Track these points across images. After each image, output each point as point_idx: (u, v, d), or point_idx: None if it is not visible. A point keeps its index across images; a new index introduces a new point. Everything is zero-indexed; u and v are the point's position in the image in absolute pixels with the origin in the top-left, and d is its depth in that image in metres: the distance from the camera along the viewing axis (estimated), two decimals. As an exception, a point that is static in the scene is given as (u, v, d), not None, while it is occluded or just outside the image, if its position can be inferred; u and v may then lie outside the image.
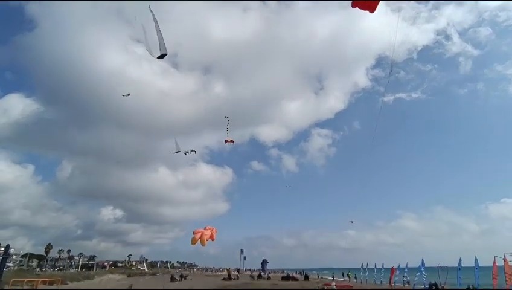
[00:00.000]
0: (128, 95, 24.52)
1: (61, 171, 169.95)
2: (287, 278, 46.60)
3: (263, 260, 61.39)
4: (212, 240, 15.95)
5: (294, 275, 56.20)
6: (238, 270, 59.00)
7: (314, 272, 76.54)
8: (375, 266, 38.00)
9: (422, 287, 27.11)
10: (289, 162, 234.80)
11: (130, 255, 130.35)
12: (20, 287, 20.02)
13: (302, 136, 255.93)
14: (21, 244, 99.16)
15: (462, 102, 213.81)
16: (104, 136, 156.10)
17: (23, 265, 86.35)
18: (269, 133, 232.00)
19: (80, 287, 32.39)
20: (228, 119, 22.05)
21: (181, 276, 50.44)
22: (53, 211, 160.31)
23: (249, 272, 65.43)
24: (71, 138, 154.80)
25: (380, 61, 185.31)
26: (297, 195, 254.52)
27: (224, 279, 46.41)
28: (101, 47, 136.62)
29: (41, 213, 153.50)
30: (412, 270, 31.26)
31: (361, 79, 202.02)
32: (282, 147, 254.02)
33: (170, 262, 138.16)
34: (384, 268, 36.48)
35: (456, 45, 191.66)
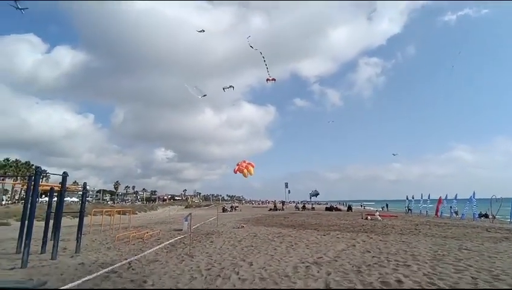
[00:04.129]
0: (203, 31, 25.30)
1: (115, 118, 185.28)
2: (330, 209, 48.74)
3: (314, 191, 63.57)
4: (248, 171, 16.89)
5: (338, 206, 58.42)
6: (283, 202, 62.77)
7: (358, 203, 78.60)
8: (421, 196, 37.55)
9: (471, 217, 26.74)
10: (333, 97, 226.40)
11: (185, 190, 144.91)
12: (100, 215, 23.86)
13: (348, 67, 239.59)
14: (94, 182, 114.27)
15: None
16: (150, 81, 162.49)
17: (99, 199, 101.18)
18: (312, 67, 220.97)
19: (147, 216, 37.51)
20: (261, 52, 21.18)
21: (231, 207, 55.42)
22: (114, 153, 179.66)
23: (293, 204, 69.45)
24: (119, 84, 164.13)
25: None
26: (341, 130, 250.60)
27: (270, 210, 50.11)
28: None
29: (105, 156, 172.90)
30: (462, 201, 30.55)
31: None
32: (326, 82, 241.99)
33: (221, 195, 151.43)
34: (430, 199, 36.08)
35: None
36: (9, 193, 77.75)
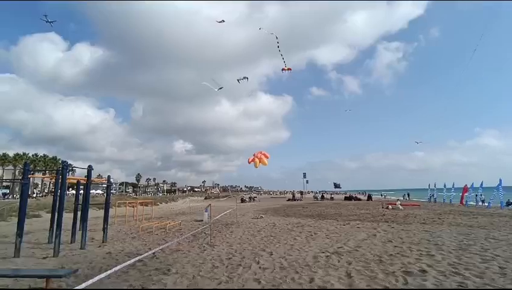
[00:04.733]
0: (223, 21, 25.49)
1: (135, 112, 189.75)
2: (349, 198, 48.24)
3: (335, 184, 63.31)
4: (261, 161, 16.83)
5: (357, 195, 57.70)
6: (301, 192, 62.71)
7: (378, 192, 77.27)
8: (445, 185, 36.38)
9: (498, 205, 25.71)
10: (352, 84, 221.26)
11: (204, 181, 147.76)
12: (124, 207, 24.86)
13: (367, 53, 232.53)
14: (117, 175, 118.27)
15: None
16: (167, 74, 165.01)
17: (122, 191, 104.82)
18: (329, 54, 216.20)
19: (168, 207, 38.53)
20: (276, 37, 20.76)
21: (250, 198, 55.97)
22: (135, 146, 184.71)
23: (312, 194, 69.21)
24: (137, 79, 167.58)
25: None
26: (360, 118, 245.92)
27: (288, 200, 50.22)
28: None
29: (127, 149, 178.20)
30: (488, 189, 29.38)
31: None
32: (343, 69, 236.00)
33: (239, 186, 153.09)
34: (454, 188, 34.90)
35: None
36: (39, 186, 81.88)
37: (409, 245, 8.54)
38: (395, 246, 8.42)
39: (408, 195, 53.66)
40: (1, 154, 79.41)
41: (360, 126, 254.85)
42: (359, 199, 46.86)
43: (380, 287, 4.99)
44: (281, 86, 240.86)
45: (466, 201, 30.35)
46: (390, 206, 24.41)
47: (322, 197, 53.90)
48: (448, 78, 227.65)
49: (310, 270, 6.13)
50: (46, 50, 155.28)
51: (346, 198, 49.50)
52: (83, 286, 5.27)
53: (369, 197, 47.85)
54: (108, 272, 6.15)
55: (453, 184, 35.28)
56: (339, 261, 6.83)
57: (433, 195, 38.75)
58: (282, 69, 22.48)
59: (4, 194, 62.04)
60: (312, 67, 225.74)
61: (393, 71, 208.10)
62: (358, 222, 14.73)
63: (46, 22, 44.64)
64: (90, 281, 5.55)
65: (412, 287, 4.97)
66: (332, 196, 55.74)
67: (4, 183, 64.70)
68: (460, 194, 31.98)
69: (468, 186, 31.12)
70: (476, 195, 29.74)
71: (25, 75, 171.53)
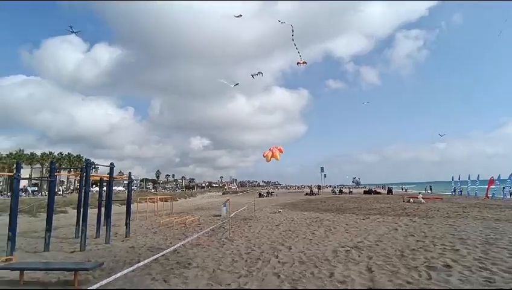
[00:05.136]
0: (240, 16, 25.77)
1: (153, 110, 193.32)
2: (369, 192, 47.40)
3: (356, 179, 62.40)
4: (273, 155, 16.73)
5: (377, 189, 56.60)
6: (319, 186, 62.17)
7: (399, 186, 75.45)
8: (469, 177, 34.99)
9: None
10: (369, 76, 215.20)
11: (221, 177, 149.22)
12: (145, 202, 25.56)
13: (385, 43, 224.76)
14: (137, 172, 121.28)
15: None
16: (182, 71, 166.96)
17: (142, 187, 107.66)
18: (345, 45, 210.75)
19: (187, 203, 39.27)
20: (292, 30, 20.40)
21: (267, 193, 56.08)
22: (154, 143, 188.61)
23: (330, 188, 68.51)
24: (154, 77, 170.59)
25: None
26: (378, 110, 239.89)
27: (306, 194, 49.94)
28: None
29: (146, 146, 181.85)
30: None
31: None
32: (360, 60, 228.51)
33: (256, 181, 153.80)
34: (479, 180, 33.54)
35: None
36: (65, 183, 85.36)
37: (432, 239, 8.32)
38: (418, 241, 8.22)
39: (430, 188, 52.09)
40: (29, 153, 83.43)
41: (378, 118, 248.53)
42: (379, 193, 45.92)
43: (402, 282, 4.89)
44: (296, 80, 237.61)
45: (492, 194, 29.13)
46: (411, 200, 23.81)
47: (340, 191, 53.24)
48: (471, 65, 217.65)
49: (329, 265, 6.10)
50: (67, 52, 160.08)
51: (365, 192, 48.65)
52: (110, 279, 5.48)
53: (389, 191, 46.81)
54: (133, 266, 6.36)
55: (478, 176, 33.94)
56: (359, 256, 6.75)
57: (456, 188, 37.42)
58: (298, 63, 22.17)
59: (33, 192, 65.24)
60: (328, 59, 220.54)
61: (413, 60, 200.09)
62: (378, 216, 14.47)
63: (72, 32, 51.83)
64: (115, 275, 5.77)
65: (436, 282, 4.84)
66: (351, 190, 54.93)
67: (33, 181, 67.91)
68: (486, 186, 30.74)
69: (495, 178, 29.83)
70: (504, 187, 28.43)
71: (48, 77, 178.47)
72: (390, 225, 11.51)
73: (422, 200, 23.12)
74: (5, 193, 62.07)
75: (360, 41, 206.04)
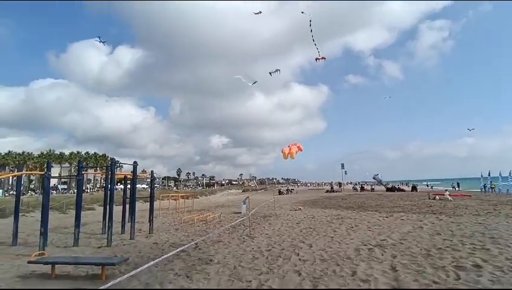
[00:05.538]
0: (260, 12, 25.94)
1: (173, 110, 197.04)
2: (392, 189, 46.12)
3: (376, 178, 60.83)
4: (289, 152, 16.54)
5: (400, 186, 54.98)
6: (340, 183, 61.19)
7: (423, 183, 72.85)
8: (500, 174, 33.22)
9: None
10: (391, 69, 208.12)
11: (241, 174, 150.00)
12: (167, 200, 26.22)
13: (408, 35, 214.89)
14: (159, 170, 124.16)
15: None
16: (201, 70, 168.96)
17: (164, 185, 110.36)
18: (366, 39, 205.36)
19: (207, 200, 39.85)
20: (310, 24, 19.98)
21: (287, 190, 55.89)
22: (175, 142, 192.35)
23: (351, 185, 67.32)
24: (173, 77, 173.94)
25: None
26: (401, 105, 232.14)
27: (327, 191, 49.30)
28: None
29: (167, 145, 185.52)
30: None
31: None
32: (382, 54, 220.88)
33: (276, 179, 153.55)
34: (511, 176, 31.76)
35: None
36: (92, 181, 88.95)
37: (460, 238, 7.97)
38: (445, 239, 7.91)
39: (458, 185, 49.96)
40: (58, 153, 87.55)
41: (400, 113, 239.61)
42: (402, 190, 44.60)
43: (429, 282, 4.72)
44: (315, 76, 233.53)
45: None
46: (437, 197, 22.94)
47: (362, 188, 52.16)
48: (504, 56, 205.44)
49: (351, 263, 5.99)
50: (92, 55, 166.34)
51: (388, 189, 47.39)
52: (132, 273, 5.65)
53: (414, 188, 45.34)
54: (156, 260, 6.53)
55: (510, 172, 32.18)
56: (382, 255, 6.59)
57: (486, 185, 35.67)
58: (316, 59, 21.80)
59: (63, 189, 68.58)
60: (348, 54, 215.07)
61: (438, 51, 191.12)
62: (402, 214, 14.06)
63: (100, 42, 58.94)
64: (141, 268, 5.94)
65: (465, 283, 4.64)
66: (373, 187, 53.66)
67: (62, 180, 71.30)
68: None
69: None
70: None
71: (74, 79, 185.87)
72: (415, 223, 11.14)
73: (449, 198, 22.21)
74: (38, 191, 65.62)
75: (381, 34, 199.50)
